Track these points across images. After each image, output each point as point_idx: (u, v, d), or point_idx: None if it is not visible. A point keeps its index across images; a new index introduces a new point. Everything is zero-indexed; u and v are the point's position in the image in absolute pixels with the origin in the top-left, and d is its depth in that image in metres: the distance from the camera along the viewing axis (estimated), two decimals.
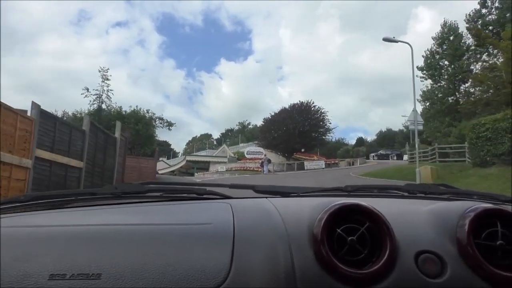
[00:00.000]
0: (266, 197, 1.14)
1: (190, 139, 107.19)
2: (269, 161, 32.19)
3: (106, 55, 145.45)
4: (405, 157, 50.38)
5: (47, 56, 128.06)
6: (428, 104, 30.98)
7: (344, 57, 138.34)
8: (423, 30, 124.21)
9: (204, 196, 1.17)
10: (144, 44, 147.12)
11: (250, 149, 42.29)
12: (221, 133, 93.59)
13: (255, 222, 0.88)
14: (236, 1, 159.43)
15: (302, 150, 41.30)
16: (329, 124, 40.10)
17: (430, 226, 0.87)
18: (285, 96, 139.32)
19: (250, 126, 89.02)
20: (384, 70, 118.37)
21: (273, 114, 41.34)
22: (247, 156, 40.68)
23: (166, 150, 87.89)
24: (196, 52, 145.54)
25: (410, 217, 0.92)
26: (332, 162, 39.49)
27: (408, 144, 53.21)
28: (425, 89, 30.68)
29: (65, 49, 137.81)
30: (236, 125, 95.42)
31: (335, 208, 0.82)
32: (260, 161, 33.21)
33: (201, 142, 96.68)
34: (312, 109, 39.82)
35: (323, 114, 39.82)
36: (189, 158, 44.64)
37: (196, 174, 40.41)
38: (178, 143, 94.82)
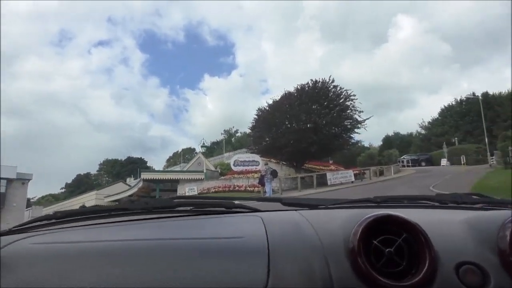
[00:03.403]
0: (295, 210, 1.11)
1: (171, 155, 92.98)
2: (273, 174, 17.90)
3: (88, 75, 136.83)
4: (444, 161, 37.89)
5: (27, 79, 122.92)
6: None
7: (326, 68, 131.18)
8: (404, 38, 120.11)
9: (233, 209, 1.15)
10: (127, 62, 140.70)
11: (239, 157, 27.59)
12: (205, 146, 79.32)
13: (288, 234, 0.87)
14: (217, 15, 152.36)
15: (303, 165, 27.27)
16: (358, 114, 25.21)
17: (467, 237, 0.85)
18: None
19: (238, 134, 74.74)
20: (366, 80, 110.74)
21: (271, 102, 26.66)
22: (234, 168, 26.11)
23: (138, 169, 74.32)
24: (180, 69, 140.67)
25: (445, 228, 0.90)
26: (360, 172, 25.81)
27: (445, 145, 40.25)
28: None
29: (46, 70, 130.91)
30: (221, 133, 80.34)
31: (371, 219, 0.82)
32: (259, 175, 19.25)
33: (184, 157, 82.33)
34: (332, 91, 25.39)
35: (351, 98, 25.15)
36: (146, 175, 29.91)
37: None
38: (164, 162, 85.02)
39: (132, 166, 76.74)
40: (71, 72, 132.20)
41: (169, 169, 47.43)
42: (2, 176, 40.17)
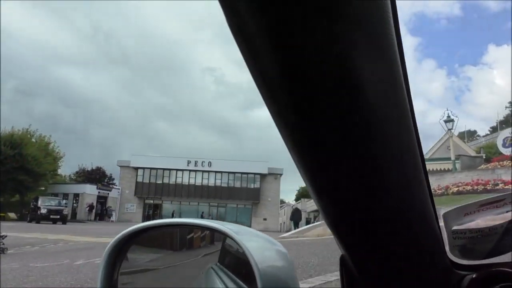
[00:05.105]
0: None
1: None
2: None
3: None
4: None
5: None
6: None
7: None
8: None
9: None
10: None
11: None
12: (490, 127, 61.38)
13: None
14: None
15: None
16: None
17: None
18: None
19: None
20: None
21: None
22: (503, 149, 15.46)
23: None
24: (457, 45, 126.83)
25: None
26: None
27: None
28: None
29: None
30: (506, 106, 60.24)
31: None
32: None
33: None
34: None
35: None
36: None
37: None
38: None
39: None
40: None
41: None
42: (255, 172, 42.56)
